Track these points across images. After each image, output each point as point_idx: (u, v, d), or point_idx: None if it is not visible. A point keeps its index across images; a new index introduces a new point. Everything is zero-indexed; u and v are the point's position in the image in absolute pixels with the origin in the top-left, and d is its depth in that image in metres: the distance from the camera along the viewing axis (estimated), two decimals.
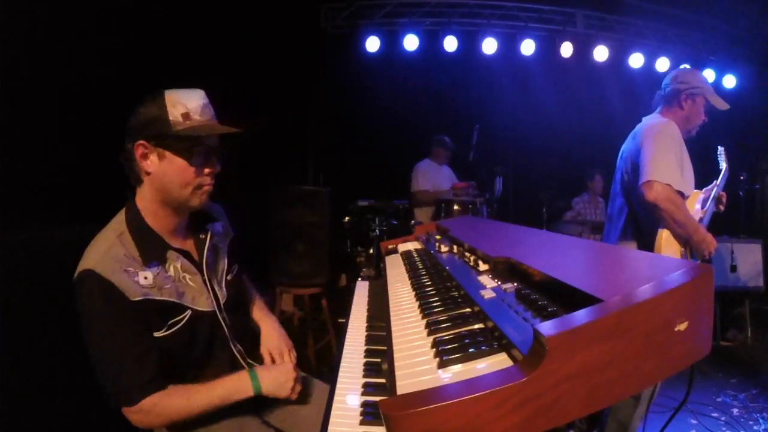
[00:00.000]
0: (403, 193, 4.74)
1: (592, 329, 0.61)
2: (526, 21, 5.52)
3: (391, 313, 1.17)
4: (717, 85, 5.80)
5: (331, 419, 0.91)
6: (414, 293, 1.29)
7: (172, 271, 1.26)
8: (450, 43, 5.40)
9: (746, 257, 4.36)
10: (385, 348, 1.08)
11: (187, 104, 1.21)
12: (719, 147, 2.51)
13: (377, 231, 4.02)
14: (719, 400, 3.06)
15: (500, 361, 0.73)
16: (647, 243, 2.17)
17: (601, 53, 5.48)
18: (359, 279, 2.11)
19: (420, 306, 1.15)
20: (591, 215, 5.03)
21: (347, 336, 1.36)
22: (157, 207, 1.26)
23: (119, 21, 2.87)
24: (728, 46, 5.64)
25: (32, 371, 1.78)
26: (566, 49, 5.45)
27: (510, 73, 5.69)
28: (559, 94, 5.74)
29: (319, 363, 3.29)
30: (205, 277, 1.32)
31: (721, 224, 4.49)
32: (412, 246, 2.23)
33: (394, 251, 2.19)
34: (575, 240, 1.48)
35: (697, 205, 2.31)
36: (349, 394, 1.02)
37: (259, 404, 1.41)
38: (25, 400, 1.74)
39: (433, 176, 4.73)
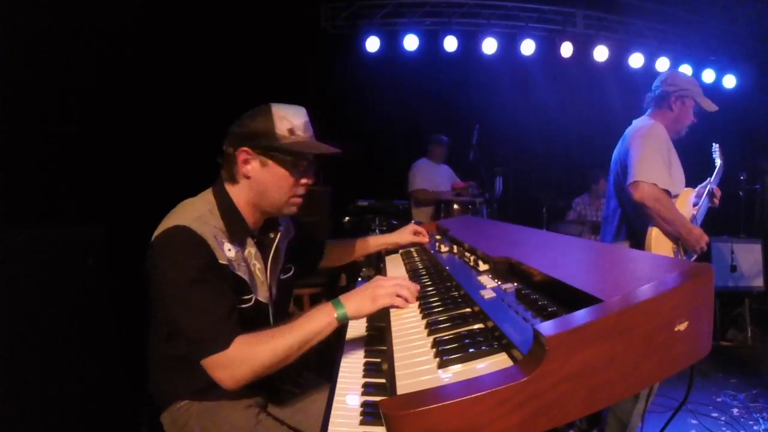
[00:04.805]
0: (403, 193, 4.74)
1: (592, 329, 0.61)
2: (526, 21, 5.52)
3: (391, 313, 1.17)
4: (717, 85, 5.80)
5: (331, 419, 0.91)
6: None
7: (247, 255, 1.34)
8: (450, 43, 5.40)
9: (746, 257, 4.36)
10: (385, 348, 1.08)
11: (292, 120, 1.32)
12: (714, 144, 2.57)
13: (377, 231, 4.01)
14: (719, 400, 3.05)
15: (500, 361, 0.73)
16: (639, 242, 2.22)
17: (601, 53, 5.48)
18: (359, 279, 2.11)
19: (420, 306, 1.15)
20: (591, 215, 5.02)
21: (347, 336, 1.36)
22: (245, 204, 1.35)
23: (116, 22, 2.87)
24: (728, 46, 5.63)
25: (33, 371, 1.78)
26: (566, 49, 5.45)
27: (510, 73, 5.68)
28: (560, 94, 5.74)
29: (319, 363, 3.29)
30: (268, 272, 1.40)
31: (721, 224, 4.51)
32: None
33: (394, 251, 2.19)
34: (575, 240, 1.48)
35: (691, 201, 2.35)
36: (349, 394, 1.02)
37: (273, 398, 1.44)
38: (25, 400, 1.74)
39: (430, 175, 4.72)
